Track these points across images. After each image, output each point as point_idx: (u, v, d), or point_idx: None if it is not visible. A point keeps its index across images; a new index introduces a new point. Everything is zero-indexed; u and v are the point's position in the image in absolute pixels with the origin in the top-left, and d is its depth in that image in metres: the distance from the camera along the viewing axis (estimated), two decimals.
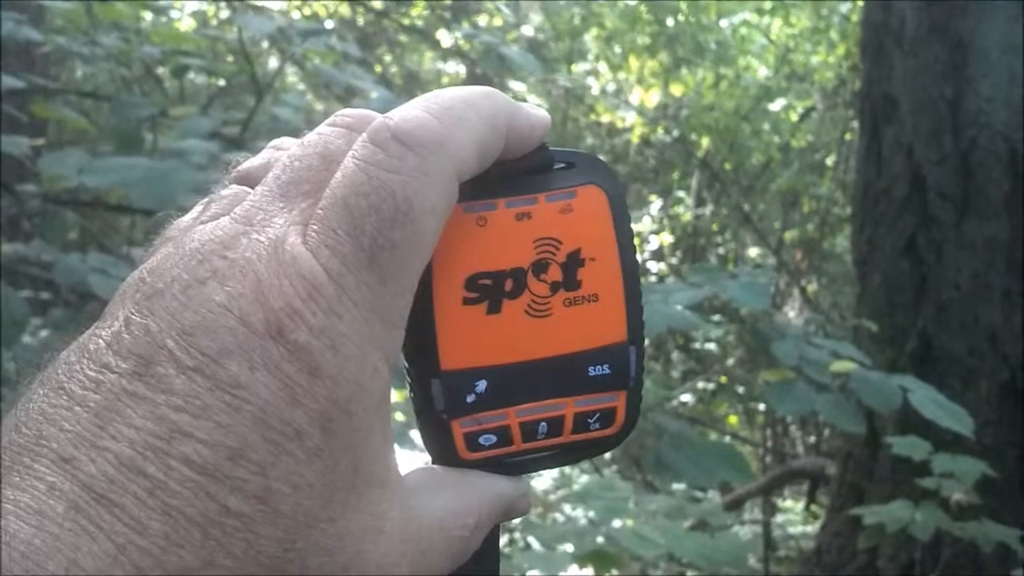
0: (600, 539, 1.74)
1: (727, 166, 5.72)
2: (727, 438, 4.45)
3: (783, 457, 4.45)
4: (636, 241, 0.37)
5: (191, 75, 2.89)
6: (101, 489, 0.26)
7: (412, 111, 0.32)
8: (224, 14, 4.00)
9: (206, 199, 0.34)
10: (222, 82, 2.91)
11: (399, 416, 1.66)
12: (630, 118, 5.85)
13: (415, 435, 1.59)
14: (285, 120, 2.24)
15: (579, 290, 0.35)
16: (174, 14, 3.85)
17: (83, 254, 1.90)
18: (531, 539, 2.15)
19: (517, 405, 0.35)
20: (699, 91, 5.73)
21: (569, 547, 1.77)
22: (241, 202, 0.32)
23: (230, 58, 3.20)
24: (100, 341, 0.29)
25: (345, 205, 0.30)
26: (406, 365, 0.35)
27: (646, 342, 0.37)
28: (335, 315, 0.29)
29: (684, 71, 5.77)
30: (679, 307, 1.72)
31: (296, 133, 0.36)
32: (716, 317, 4.20)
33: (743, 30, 5.84)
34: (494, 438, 0.35)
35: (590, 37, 5.95)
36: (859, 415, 1.79)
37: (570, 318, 0.35)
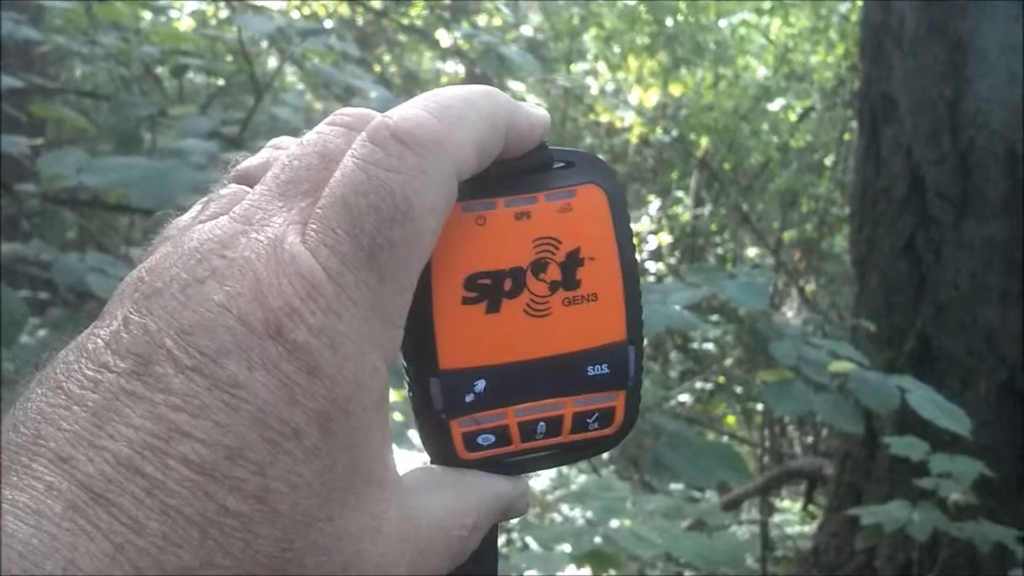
0: (598, 539, 1.74)
1: (726, 166, 5.72)
2: (725, 438, 4.45)
3: (781, 457, 4.45)
4: (635, 241, 0.37)
5: (190, 75, 2.89)
6: (99, 489, 0.26)
7: (411, 110, 0.31)
8: (223, 14, 4.00)
9: (205, 198, 0.34)
10: (221, 82, 2.91)
11: (397, 415, 1.65)
12: (629, 118, 5.85)
13: (413, 435, 1.59)
14: (284, 120, 2.24)
15: (578, 289, 0.35)
16: (173, 14, 3.85)
17: (82, 254, 1.89)
18: (529, 539, 2.15)
19: (516, 405, 0.35)
20: (698, 91, 5.73)
21: (567, 547, 1.77)
22: (240, 201, 0.32)
23: (229, 58, 3.20)
24: (98, 340, 0.29)
25: (344, 204, 0.30)
26: (405, 364, 0.35)
27: (644, 342, 0.37)
28: (334, 314, 0.29)
29: (683, 71, 5.78)
30: (677, 307, 1.73)
31: (295, 133, 0.36)
32: (714, 317, 4.20)
33: (742, 30, 5.84)
34: (493, 438, 0.35)
35: (589, 37, 5.95)
36: (857, 415, 1.79)
37: (569, 318, 0.35)
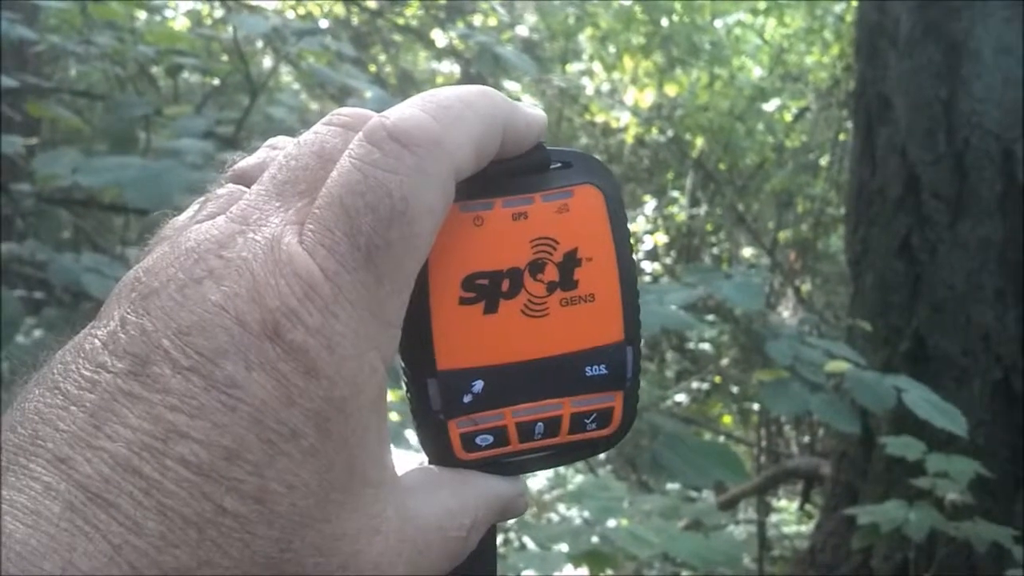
0: (595, 539, 1.74)
1: (721, 166, 5.73)
2: (721, 438, 4.45)
3: (777, 457, 4.46)
4: (632, 241, 0.37)
5: (185, 74, 2.88)
6: (97, 489, 0.26)
7: (409, 110, 0.31)
8: (218, 13, 3.99)
9: (202, 198, 0.34)
10: (216, 81, 2.90)
11: (394, 416, 1.65)
12: (625, 118, 5.85)
13: (411, 435, 1.58)
14: (279, 119, 2.24)
15: (576, 290, 0.35)
16: (168, 13, 3.84)
17: (77, 254, 1.89)
18: (526, 539, 2.15)
19: (514, 405, 0.35)
20: (693, 91, 5.73)
21: (564, 547, 1.77)
22: (237, 201, 0.32)
23: (224, 57, 3.20)
24: (96, 341, 0.29)
25: (341, 204, 0.30)
26: (402, 365, 0.35)
27: (642, 342, 0.37)
28: (331, 314, 0.28)
29: (678, 71, 5.78)
30: (673, 307, 1.73)
31: (291, 132, 0.36)
32: (710, 317, 4.21)
33: (737, 30, 5.85)
34: (491, 438, 0.35)
35: (585, 37, 5.96)
36: (853, 415, 1.79)
37: (567, 318, 0.35)
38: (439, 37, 5.45)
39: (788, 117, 5.75)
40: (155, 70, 2.65)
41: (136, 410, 0.27)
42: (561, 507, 2.73)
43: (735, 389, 4.96)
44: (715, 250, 5.95)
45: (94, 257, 1.87)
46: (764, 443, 4.61)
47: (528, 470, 0.36)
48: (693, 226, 5.72)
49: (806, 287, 5.30)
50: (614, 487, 1.91)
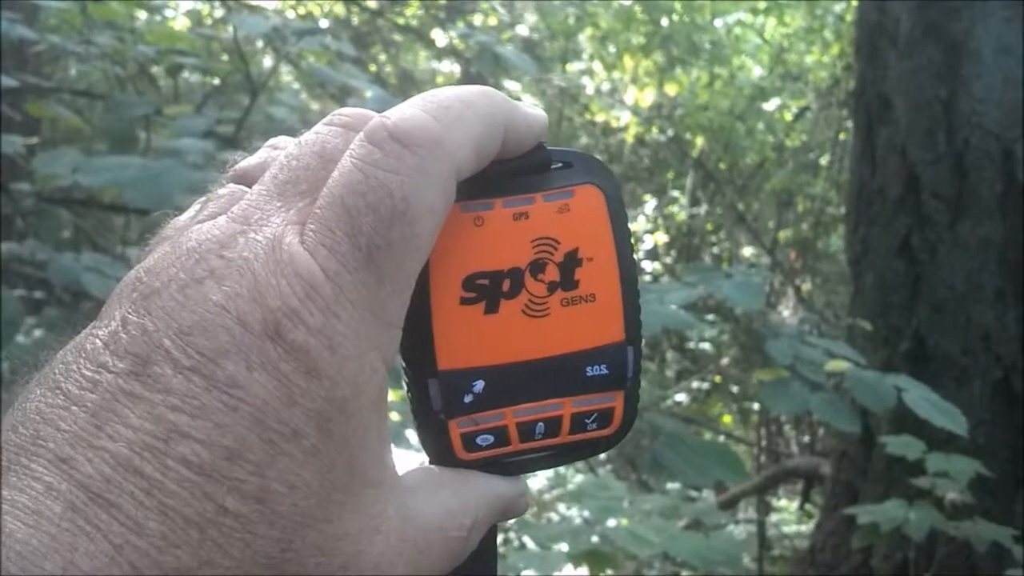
0: (595, 538, 1.74)
1: (722, 166, 5.73)
2: (721, 437, 4.45)
3: (777, 456, 4.46)
4: (633, 241, 0.37)
5: (185, 74, 2.88)
6: (98, 489, 0.26)
7: (410, 110, 0.31)
8: (219, 13, 3.99)
9: (203, 198, 0.34)
10: (216, 81, 2.90)
11: (395, 416, 1.65)
12: (625, 118, 5.85)
13: (412, 435, 1.58)
14: (280, 119, 2.24)
15: (576, 290, 0.35)
16: (168, 13, 3.84)
17: (77, 253, 1.89)
18: (526, 538, 2.15)
19: (514, 405, 0.35)
20: (694, 90, 5.73)
21: (564, 546, 1.77)
22: (238, 201, 0.32)
23: (225, 57, 3.19)
24: (97, 341, 0.29)
25: (342, 204, 0.30)
26: (403, 365, 0.35)
27: (643, 342, 0.37)
28: (333, 315, 0.28)
29: (679, 70, 5.78)
30: (674, 307, 1.73)
31: (291, 132, 0.36)
32: (711, 317, 4.21)
33: (737, 30, 5.85)
34: (491, 438, 0.35)
35: (585, 37, 5.95)
36: (853, 414, 1.79)
37: (568, 318, 0.35)
38: (439, 37, 5.45)
39: (788, 117, 5.75)
40: (155, 70, 2.65)
41: (137, 410, 0.27)
42: (561, 507, 2.73)
43: (735, 389, 4.96)
44: (715, 249, 5.94)
45: (94, 257, 1.87)
46: (764, 443, 4.61)
47: (529, 470, 0.36)
48: (693, 225, 5.72)
49: (806, 286, 5.30)
50: (614, 487, 1.91)
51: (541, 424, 0.35)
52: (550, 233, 0.35)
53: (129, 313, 0.29)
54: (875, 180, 2.71)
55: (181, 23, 3.97)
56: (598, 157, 0.37)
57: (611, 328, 0.36)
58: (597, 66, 6.12)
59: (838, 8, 5.26)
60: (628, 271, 0.36)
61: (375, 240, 0.29)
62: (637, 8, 5.56)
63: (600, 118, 6.02)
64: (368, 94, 2.20)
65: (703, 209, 5.73)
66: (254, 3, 3.56)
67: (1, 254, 1.97)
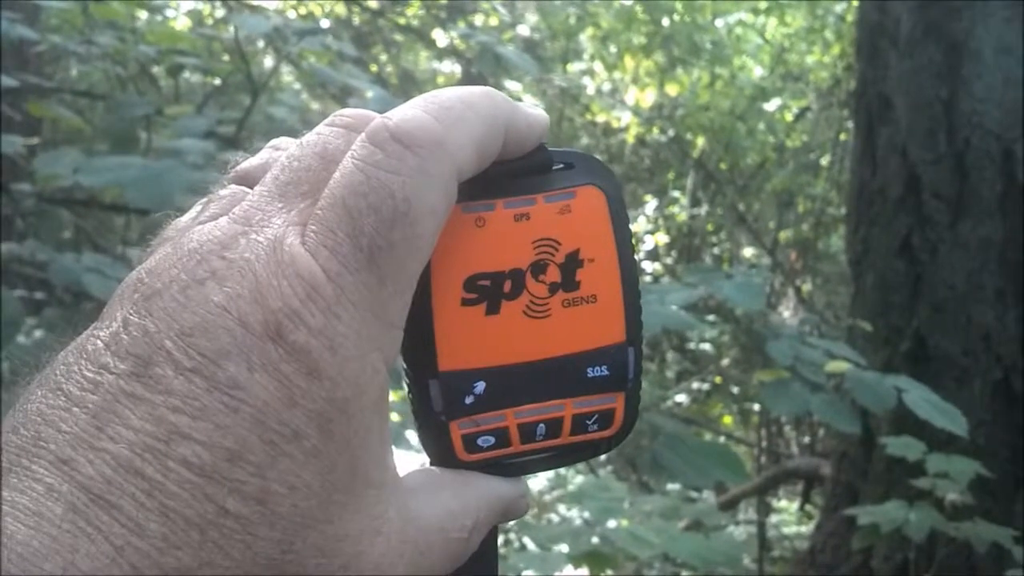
0: (595, 539, 1.74)
1: (722, 166, 5.73)
2: (722, 438, 4.45)
3: (778, 457, 4.46)
4: (634, 242, 0.37)
5: (186, 74, 2.88)
6: (99, 490, 0.26)
7: (411, 111, 0.31)
8: (220, 13, 3.99)
9: (204, 199, 0.34)
10: (217, 81, 2.90)
11: (396, 416, 1.65)
12: (626, 118, 5.85)
13: (412, 436, 1.58)
14: (280, 119, 2.23)
15: (578, 291, 0.35)
16: (169, 13, 3.84)
17: (77, 254, 1.89)
18: (526, 539, 2.15)
19: (515, 406, 0.35)
20: (694, 91, 5.73)
21: (564, 547, 1.77)
22: (239, 202, 0.32)
23: (225, 57, 3.19)
24: (98, 342, 0.29)
25: (344, 205, 0.30)
26: (404, 366, 0.35)
27: (643, 343, 0.37)
28: (334, 315, 0.28)
29: (679, 71, 5.78)
30: (674, 307, 1.73)
31: (292, 132, 0.36)
32: (711, 317, 4.21)
33: (738, 30, 5.85)
34: (492, 439, 0.35)
35: (586, 37, 5.95)
36: (854, 415, 1.79)
37: (569, 319, 0.35)
38: (440, 37, 5.45)
39: (789, 117, 5.75)
40: (156, 70, 2.65)
41: (138, 411, 0.27)
42: (561, 508, 2.73)
43: (735, 389, 4.96)
44: (716, 250, 5.94)
45: (95, 257, 1.87)
46: (764, 443, 4.61)
47: (530, 471, 0.36)
48: (694, 226, 5.72)
49: (807, 287, 5.30)
50: (614, 488, 1.91)
51: (542, 425, 0.35)
52: (551, 234, 0.35)
53: (130, 314, 0.29)
54: (876, 180, 2.71)
55: (182, 23, 3.97)
56: (599, 158, 0.37)
57: (612, 329, 0.36)
58: (598, 66, 6.12)
59: (839, 8, 5.26)
60: (629, 272, 0.36)
61: (377, 241, 0.29)
62: (638, 8, 5.56)
63: (601, 118, 6.02)
64: (369, 94, 2.20)
65: (704, 210, 5.73)
66: (255, 3, 3.56)
67: (1, 254, 1.97)
